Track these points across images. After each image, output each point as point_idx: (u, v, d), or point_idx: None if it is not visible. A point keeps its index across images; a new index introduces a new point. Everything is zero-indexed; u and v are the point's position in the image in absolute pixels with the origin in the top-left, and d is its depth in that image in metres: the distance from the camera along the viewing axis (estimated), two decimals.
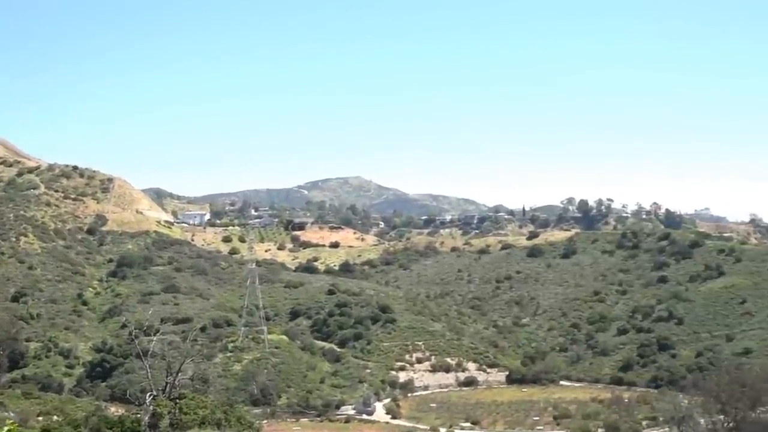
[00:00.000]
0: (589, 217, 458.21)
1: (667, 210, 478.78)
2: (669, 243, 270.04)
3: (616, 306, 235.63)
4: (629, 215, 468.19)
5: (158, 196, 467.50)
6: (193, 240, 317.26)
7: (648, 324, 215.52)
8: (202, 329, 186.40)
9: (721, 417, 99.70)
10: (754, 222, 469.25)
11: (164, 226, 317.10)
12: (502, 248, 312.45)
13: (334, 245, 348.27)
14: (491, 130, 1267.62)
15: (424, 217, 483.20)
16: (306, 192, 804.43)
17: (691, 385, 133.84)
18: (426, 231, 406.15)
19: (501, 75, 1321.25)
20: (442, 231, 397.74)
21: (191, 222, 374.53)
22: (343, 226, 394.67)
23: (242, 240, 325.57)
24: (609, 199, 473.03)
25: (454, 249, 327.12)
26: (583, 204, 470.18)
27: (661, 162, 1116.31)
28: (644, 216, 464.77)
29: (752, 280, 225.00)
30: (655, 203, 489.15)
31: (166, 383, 40.73)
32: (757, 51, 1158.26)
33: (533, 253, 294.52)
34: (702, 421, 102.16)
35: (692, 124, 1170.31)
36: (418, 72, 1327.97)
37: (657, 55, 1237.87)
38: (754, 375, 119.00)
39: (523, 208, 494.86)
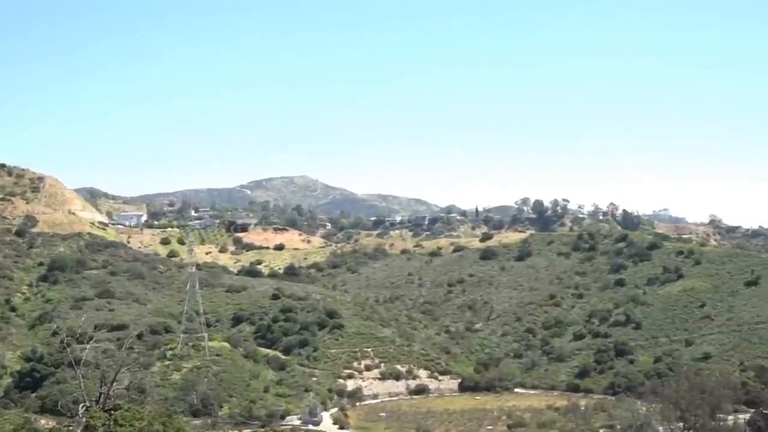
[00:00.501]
0: (544, 218, 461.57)
1: (624, 211, 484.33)
2: (626, 245, 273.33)
3: (572, 310, 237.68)
4: (585, 216, 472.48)
5: (92, 195, 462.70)
6: (129, 242, 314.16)
7: (605, 329, 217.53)
8: (139, 336, 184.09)
9: (680, 424, 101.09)
10: (714, 223, 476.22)
11: (98, 227, 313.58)
12: (455, 250, 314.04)
13: (279, 247, 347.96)
14: (443, 129, 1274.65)
15: (373, 218, 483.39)
16: (249, 192, 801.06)
17: (649, 391, 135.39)
18: (375, 232, 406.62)
19: (452, 72, 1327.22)
20: (391, 232, 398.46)
21: (127, 223, 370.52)
22: (288, 228, 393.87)
23: (181, 242, 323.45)
24: (565, 200, 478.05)
25: (404, 251, 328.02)
26: (538, 204, 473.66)
27: (619, 161, 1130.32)
28: (601, 217, 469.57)
29: (712, 283, 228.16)
30: (612, 204, 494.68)
31: (100, 394, 40.15)
32: (715, 50, 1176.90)
33: (486, 255, 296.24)
34: (661, 428, 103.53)
35: (650, 124, 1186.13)
36: (365, 67, 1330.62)
37: (614, 48, 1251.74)
38: (713, 381, 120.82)
39: (476, 208, 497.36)
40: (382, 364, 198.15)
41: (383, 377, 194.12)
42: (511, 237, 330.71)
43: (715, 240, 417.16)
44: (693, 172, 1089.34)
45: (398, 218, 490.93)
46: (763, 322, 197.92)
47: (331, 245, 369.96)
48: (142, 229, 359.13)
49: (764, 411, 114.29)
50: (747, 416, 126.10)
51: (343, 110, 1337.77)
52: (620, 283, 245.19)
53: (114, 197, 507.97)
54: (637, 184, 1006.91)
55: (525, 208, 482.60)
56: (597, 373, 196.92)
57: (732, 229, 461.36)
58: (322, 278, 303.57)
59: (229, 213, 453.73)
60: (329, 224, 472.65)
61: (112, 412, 38.90)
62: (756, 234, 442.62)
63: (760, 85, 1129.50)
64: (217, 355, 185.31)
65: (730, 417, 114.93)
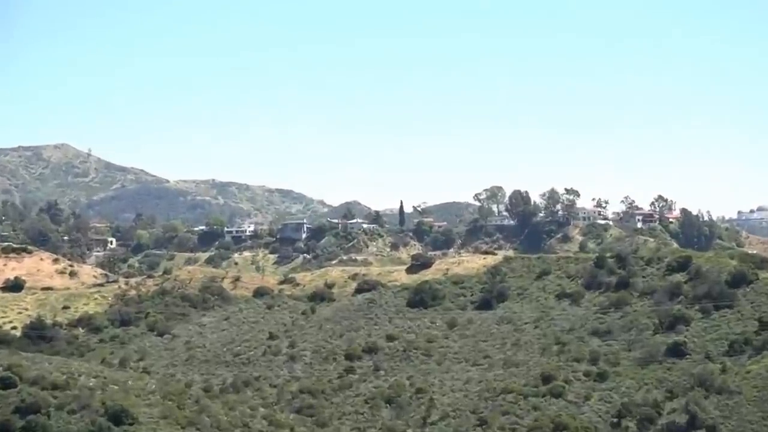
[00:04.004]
0: (530, 225, 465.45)
1: (684, 212, 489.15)
2: (689, 277, 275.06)
3: (587, 404, 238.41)
4: (610, 222, 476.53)
5: None
6: None
7: None
8: None
9: None
10: None
11: None
12: (359, 290, 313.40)
13: (14, 287, 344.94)
14: (335, 85, 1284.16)
15: (201, 228, 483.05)
16: None
17: None
18: (205, 255, 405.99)
19: None
20: (236, 255, 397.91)
21: None
22: (31, 248, 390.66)
23: None
24: (570, 191, 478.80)
25: (261, 292, 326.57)
26: (520, 199, 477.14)
27: (669, 130, 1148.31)
28: (640, 224, 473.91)
29: None
30: (660, 198, 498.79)
31: None
32: None
33: (422, 299, 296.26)
34: None
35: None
36: None
37: None
38: None
39: (401, 208, 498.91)
40: None
41: None
42: (468, 262, 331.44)
43: None
44: None
45: (250, 227, 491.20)
46: None
47: (116, 280, 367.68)
48: None
49: None
50: None
51: (145, 36, 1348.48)
52: (678, 351, 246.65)
53: None
54: (707, 168, 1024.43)
55: (495, 206, 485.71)
56: None
57: None
58: (100, 346, 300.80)
59: None
60: (113, 240, 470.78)
61: None
62: None
63: None
64: None
65: None
